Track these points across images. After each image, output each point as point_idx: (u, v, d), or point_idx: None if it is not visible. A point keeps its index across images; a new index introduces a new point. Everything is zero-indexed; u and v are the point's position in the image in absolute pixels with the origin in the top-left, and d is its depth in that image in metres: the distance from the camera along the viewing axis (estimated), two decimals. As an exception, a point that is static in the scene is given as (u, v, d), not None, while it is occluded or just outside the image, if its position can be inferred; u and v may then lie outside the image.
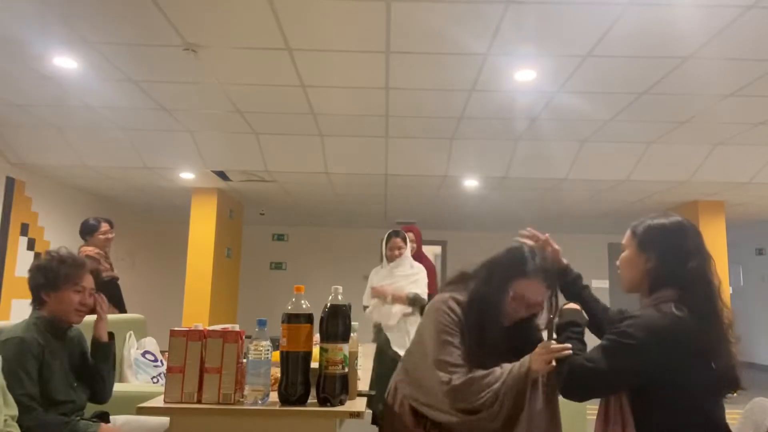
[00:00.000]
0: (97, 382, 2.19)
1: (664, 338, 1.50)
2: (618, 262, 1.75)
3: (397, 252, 3.89)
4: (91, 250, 4.22)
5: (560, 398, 1.69)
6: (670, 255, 1.62)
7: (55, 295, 2.06)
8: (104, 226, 4.41)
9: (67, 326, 2.14)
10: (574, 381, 1.57)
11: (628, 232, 1.75)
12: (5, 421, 1.73)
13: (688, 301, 1.55)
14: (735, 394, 1.64)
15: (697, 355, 1.52)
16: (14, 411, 1.79)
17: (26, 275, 2.12)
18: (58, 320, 2.08)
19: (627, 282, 1.72)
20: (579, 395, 1.57)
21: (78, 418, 2.05)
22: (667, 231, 1.67)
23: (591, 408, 1.94)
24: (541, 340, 1.88)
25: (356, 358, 1.92)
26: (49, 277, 2.06)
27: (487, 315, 1.79)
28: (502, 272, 1.84)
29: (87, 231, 4.40)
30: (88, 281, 2.14)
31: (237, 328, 1.75)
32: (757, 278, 10.02)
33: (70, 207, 7.14)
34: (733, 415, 1.91)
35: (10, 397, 1.80)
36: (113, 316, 3.63)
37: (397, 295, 3.76)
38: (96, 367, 2.19)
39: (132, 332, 3.51)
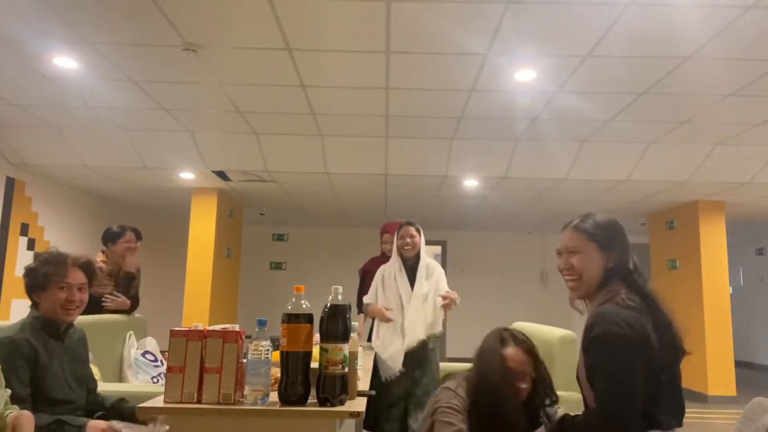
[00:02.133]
0: None
1: (634, 325, 1.55)
2: (573, 265, 1.72)
3: (409, 240, 3.54)
4: (99, 262, 3.80)
5: None
6: (625, 250, 1.71)
7: (44, 294, 2.07)
8: (128, 235, 3.91)
9: (65, 326, 2.14)
10: (611, 412, 1.53)
11: (574, 234, 1.75)
12: (5, 404, 1.72)
13: (634, 287, 1.65)
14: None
15: (658, 335, 1.59)
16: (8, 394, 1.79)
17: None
18: (52, 320, 2.08)
19: (589, 284, 1.71)
20: (624, 420, 1.53)
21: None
22: (617, 227, 1.75)
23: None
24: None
25: (356, 358, 1.92)
26: (36, 279, 2.07)
27: (496, 394, 1.83)
28: (489, 349, 1.95)
29: (108, 238, 3.91)
30: (74, 277, 2.10)
31: (237, 328, 1.75)
32: (757, 278, 10.03)
33: (70, 207, 7.15)
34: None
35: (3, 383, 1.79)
36: (113, 317, 3.64)
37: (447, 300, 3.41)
38: None
39: (132, 332, 3.52)
